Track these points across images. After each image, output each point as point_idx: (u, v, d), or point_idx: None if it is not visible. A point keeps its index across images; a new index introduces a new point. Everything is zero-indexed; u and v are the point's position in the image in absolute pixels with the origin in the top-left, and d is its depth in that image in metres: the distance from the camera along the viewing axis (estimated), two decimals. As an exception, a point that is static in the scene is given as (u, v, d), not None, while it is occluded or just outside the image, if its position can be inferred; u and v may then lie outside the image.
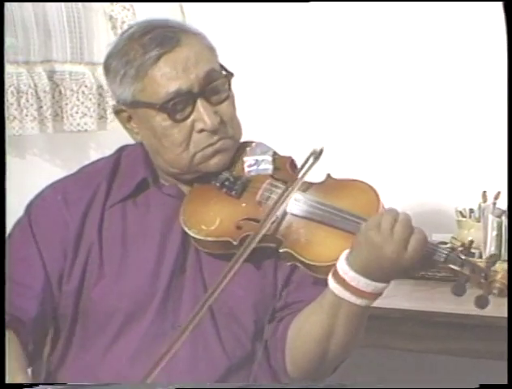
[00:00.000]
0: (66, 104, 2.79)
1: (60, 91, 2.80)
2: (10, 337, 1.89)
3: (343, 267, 1.79)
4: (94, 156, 2.22)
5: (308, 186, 1.92)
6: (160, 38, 1.88)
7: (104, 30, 2.95)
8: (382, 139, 3.06)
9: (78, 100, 2.82)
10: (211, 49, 1.94)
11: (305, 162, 1.89)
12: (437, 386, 2.89)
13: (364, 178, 1.97)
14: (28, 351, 1.93)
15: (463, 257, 1.78)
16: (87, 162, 2.12)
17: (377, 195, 1.87)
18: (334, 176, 1.95)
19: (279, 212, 1.87)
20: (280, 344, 1.92)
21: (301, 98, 3.11)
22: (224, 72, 1.94)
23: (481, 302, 1.78)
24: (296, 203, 1.88)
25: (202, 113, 1.88)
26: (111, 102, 2.83)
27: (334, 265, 1.81)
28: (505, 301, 1.78)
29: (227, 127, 1.92)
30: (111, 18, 2.96)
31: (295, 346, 1.90)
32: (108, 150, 2.10)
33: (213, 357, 1.90)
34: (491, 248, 2.77)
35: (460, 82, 2.99)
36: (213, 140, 1.91)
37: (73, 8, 2.89)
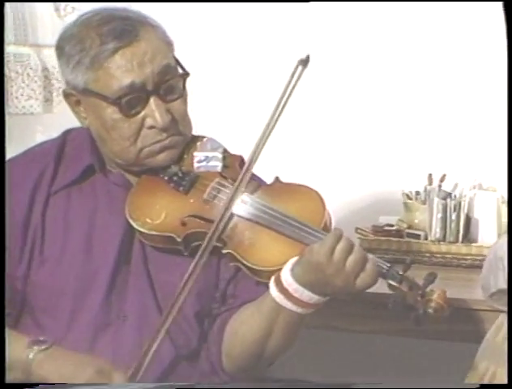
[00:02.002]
0: (11, 86, 2.78)
1: (4, 74, 2.77)
2: None
3: (287, 278, 1.81)
4: (40, 138, 2.21)
5: (256, 188, 1.93)
6: (119, 31, 1.88)
7: (47, 12, 2.93)
8: (332, 125, 3.06)
9: (24, 82, 2.81)
10: (169, 44, 1.95)
11: (294, 71, 1.87)
12: (382, 364, 2.94)
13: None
14: None
15: (401, 273, 1.81)
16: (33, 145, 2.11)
17: (322, 203, 1.90)
18: (282, 179, 1.97)
19: (228, 212, 1.87)
20: (217, 340, 1.95)
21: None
22: (180, 70, 1.94)
23: (418, 321, 1.81)
24: (243, 205, 1.90)
25: (154, 111, 1.90)
26: (57, 84, 2.83)
27: (278, 272, 1.82)
28: (441, 281, 1.83)
29: (177, 125, 1.93)
30: (54, 1, 2.93)
31: (232, 344, 1.93)
32: (55, 133, 2.09)
33: (161, 349, 1.87)
34: (436, 229, 2.81)
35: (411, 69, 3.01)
36: (162, 137, 1.92)
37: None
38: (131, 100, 1.89)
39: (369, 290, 2.44)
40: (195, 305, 1.93)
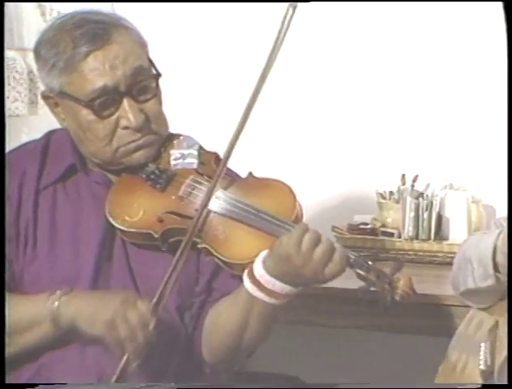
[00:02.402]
0: (-3, 89, 2.78)
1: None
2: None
3: (259, 270, 1.82)
4: (25, 139, 2.20)
5: (229, 184, 1.94)
6: (91, 34, 1.88)
7: (33, 16, 2.93)
8: (309, 126, 3.06)
9: (9, 84, 2.79)
10: (143, 46, 1.95)
11: (286, 13, 1.82)
12: (356, 357, 2.96)
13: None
14: None
15: (370, 263, 1.82)
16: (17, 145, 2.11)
17: (294, 196, 1.91)
18: (255, 174, 1.96)
19: (205, 209, 1.87)
20: (197, 334, 1.95)
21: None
22: (153, 70, 1.95)
23: (386, 308, 1.82)
24: (217, 201, 1.90)
25: (128, 111, 1.90)
26: (42, 87, 2.82)
27: (250, 265, 1.83)
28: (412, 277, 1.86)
29: (152, 124, 1.94)
30: (39, 5, 2.94)
31: (211, 336, 1.94)
32: (40, 134, 2.10)
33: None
34: (409, 228, 2.82)
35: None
36: (136, 137, 1.92)
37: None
38: (104, 101, 1.89)
39: (342, 286, 2.50)
40: (176, 300, 1.94)
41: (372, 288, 1.81)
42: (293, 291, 1.84)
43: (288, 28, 1.81)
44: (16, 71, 2.82)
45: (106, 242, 1.96)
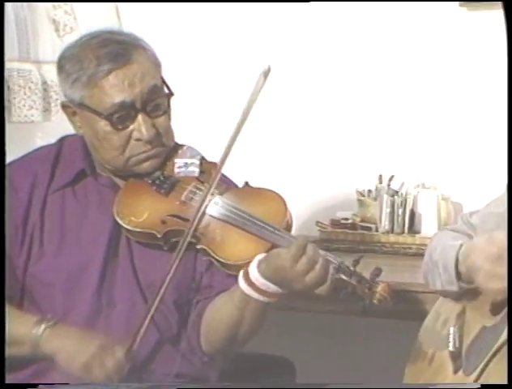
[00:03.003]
0: (14, 98, 2.76)
1: (8, 87, 2.76)
2: None
3: (254, 273, 1.81)
4: (40, 143, 2.21)
5: (226, 190, 1.94)
6: (114, 54, 1.88)
7: (48, 32, 2.91)
8: (294, 134, 3.05)
9: (25, 94, 2.77)
10: (157, 66, 1.95)
11: (258, 82, 1.85)
12: (336, 339, 2.96)
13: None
14: None
15: (352, 268, 1.81)
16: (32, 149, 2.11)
17: (285, 205, 1.91)
18: (251, 184, 1.97)
19: (201, 211, 1.88)
20: (196, 326, 1.94)
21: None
22: (165, 90, 1.95)
23: (365, 311, 1.83)
24: (215, 206, 1.90)
25: (141, 125, 1.90)
26: (55, 96, 2.82)
27: (245, 267, 1.83)
28: (389, 267, 1.84)
29: (161, 138, 1.94)
30: (54, 21, 2.93)
31: (209, 330, 1.94)
32: (53, 139, 2.10)
33: (147, 335, 1.87)
34: (385, 222, 2.83)
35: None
36: (147, 148, 1.93)
37: (19, 11, 2.86)
38: (122, 116, 1.89)
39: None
40: (174, 295, 1.94)
41: (353, 292, 1.80)
42: (285, 292, 1.83)
43: (258, 96, 1.85)
44: (32, 82, 2.81)
45: (113, 241, 1.95)
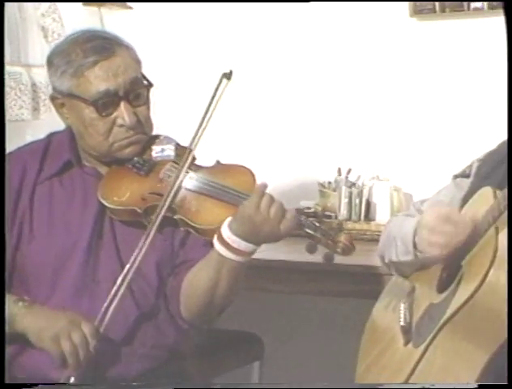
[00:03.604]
0: (6, 98, 2.75)
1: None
2: None
3: (226, 232, 1.81)
4: (30, 140, 2.20)
5: (200, 168, 1.95)
6: (100, 47, 1.89)
7: (37, 38, 2.91)
8: (263, 128, 3.05)
9: (16, 95, 2.78)
10: (138, 62, 1.96)
11: (219, 83, 1.88)
12: (303, 317, 2.96)
13: (247, 161, 1.99)
14: None
15: (317, 223, 1.82)
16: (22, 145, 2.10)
17: (253, 176, 1.92)
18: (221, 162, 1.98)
19: (175, 186, 1.89)
20: (175, 294, 1.94)
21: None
22: (145, 82, 1.95)
23: (328, 258, 1.84)
24: (190, 180, 1.92)
25: (124, 112, 1.90)
26: (43, 97, 2.81)
27: (219, 230, 1.83)
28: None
29: (142, 125, 1.95)
30: (43, 28, 2.91)
31: (187, 295, 1.92)
32: (42, 135, 2.09)
33: (125, 306, 1.88)
34: (343, 211, 2.84)
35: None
36: (129, 134, 1.93)
37: (11, 18, 2.84)
38: (106, 103, 1.90)
39: (291, 259, 2.51)
40: (154, 270, 1.93)
41: (318, 244, 1.81)
42: (255, 248, 1.83)
43: (220, 98, 1.88)
44: (22, 84, 2.80)
45: (97, 224, 1.95)
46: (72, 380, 1.77)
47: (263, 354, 2.81)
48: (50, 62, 1.94)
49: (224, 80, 1.88)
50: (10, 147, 2.06)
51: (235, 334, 2.79)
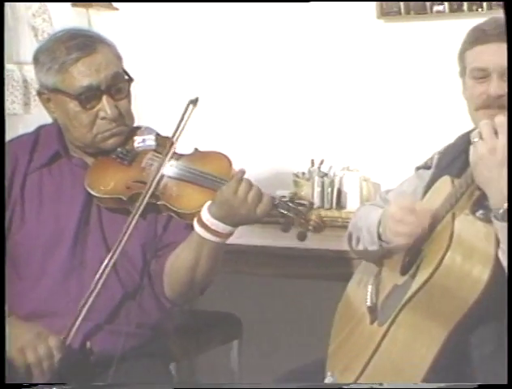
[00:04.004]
0: (0, 93, 2.75)
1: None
2: None
3: (205, 215, 1.82)
4: (21, 132, 2.19)
5: (180, 157, 1.94)
6: (82, 45, 1.89)
7: (28, 37, 2.89)
8: (242, 124, 3.04)
9: (8, 90, 2.76)
10: (119, 58, 1.96)
11: (186, 109, 1.89)
12: (278, 299, 2.96)
13: (228, 151, 1.99)
14: None
15: (290, 204, 1.83)
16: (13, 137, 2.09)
17: (229, 162, 1.92)
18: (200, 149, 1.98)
19: (159, 174, 1.88)
20: (159, 274, 1.94)
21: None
22: (126, 77, 1.95)
23: (301, 236, 1.85)
24: (171, 168, 1.91)
25: (106, 105, 1.90)
26: (33, 92, 2.79)
27: (198, 213, 1.83)
28: (319, 236, 1.88)
29: (123, 118, 1.94)
30: (33, 28, 2.90)
31: (170, 275, 1.93)
32: (32, 128, 2.09)
33: (111, 286, 1.89)
34: (316, 199, 2.85)
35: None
36: (111, 126, 1.93)
37: (5, 19, 2.82)
38: (89, 96, 1.89)
39: (266, 244, 2.52)
40: (139, 253, 1.94)
41: (291, 223, 1.82)
42: (233, 230, 1.84)
43: (186, 123, 1.89)
44: (14, 80, 2.79)
45: (84, 211, 1.95)
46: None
47: (242, 333, 2.82)
48: (36, 60, 1.94)
49: (191, 106, 1.89)
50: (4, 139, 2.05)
51: (215, 314, 2.79)
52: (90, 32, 1.97)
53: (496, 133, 1.63)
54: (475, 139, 1.65)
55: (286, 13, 2.93)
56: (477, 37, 1.83)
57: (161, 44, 3.09)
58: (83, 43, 1.89)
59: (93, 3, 3.00)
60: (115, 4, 3.08)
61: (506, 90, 1.74)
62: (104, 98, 1.90)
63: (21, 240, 1.94)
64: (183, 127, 1.90)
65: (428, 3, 2.70)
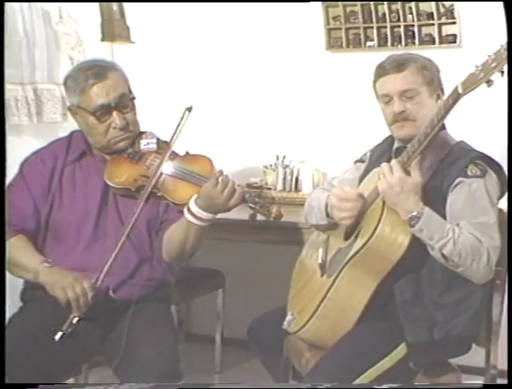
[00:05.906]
0: (45, 107, 2.66)
1: (41, 100, 2.66)
2: (21, 242, 1.85)
3: (193, 206, 1.82)
4: (62, 134, 2.15)
5: (175, 157, 1.93)
6: (96, 73, 1.87)
7: (66, 64, 2.80)
8: (220, 125, 2.97)
9: (51, 104, 2.69)
10: (126, 80, 1.93)
11: (183, 116, 1.88)
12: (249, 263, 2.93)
13: (212, 148, 1.96)
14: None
15: (257, 199, 1.81)
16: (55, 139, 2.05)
17: (211, 163, 1.90)
18: (191, 152, 1.94)
19: (158, 172, 1.87)
20: (159, 244, 1.92)
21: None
22: (131, 95, 1.93)
23: (267, 224, 1.85)
24: (168, 167, 1.90)
25: (116, 119, 1.89)
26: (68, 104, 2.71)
27: (188, 204, 1.82)
28: (283, 212, 1.83)
29: (130, 126, 1.92)
30: (70, 57, 2.82)
31: (167, 245, 1.92)
32: (68, 132, 2.04)
33: (128, 253, 1.87)
34: (280, 185, 2.84)
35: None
36: (121, 133, 1.91)
37: (50, 50, 2.73)
38: (102, 113, 1.88)
39: (240, 218, 2.45)
40: (145, 226, 1.92)
41: (258, 213, 1.81)
42: (213, 217, 1.83)
43: (182, 129, 1.86)
44: (55, 96, 2.71)
45: (104, 196, 1.93)
46: (75, 320, 1.75)
47: (225, 284, 2.80)
48: (65, 84, 1.94)
49: (187, 113, 1.86)
50: (48, 140, 2.06)
51: (204, 270, 2.79)
52: (104, 61, 1.94)
53: (392, 171, 1.67)
54: (381, 176, 1.70)
55: (237, 27, 2.87)
56: (379, 72, 1.83)
57: (164, 67, 3.03)
58: (98, 72, 1.87)
59: (116, 38, 2.96)
60: (132, 38, 3.01)
61: (406, 106, 1.78)
62: (115, 113, 1.88)
63: (60, 217, 1.92)
64: (179, 132, 1.87)
65: (362, 39, 2.73)
